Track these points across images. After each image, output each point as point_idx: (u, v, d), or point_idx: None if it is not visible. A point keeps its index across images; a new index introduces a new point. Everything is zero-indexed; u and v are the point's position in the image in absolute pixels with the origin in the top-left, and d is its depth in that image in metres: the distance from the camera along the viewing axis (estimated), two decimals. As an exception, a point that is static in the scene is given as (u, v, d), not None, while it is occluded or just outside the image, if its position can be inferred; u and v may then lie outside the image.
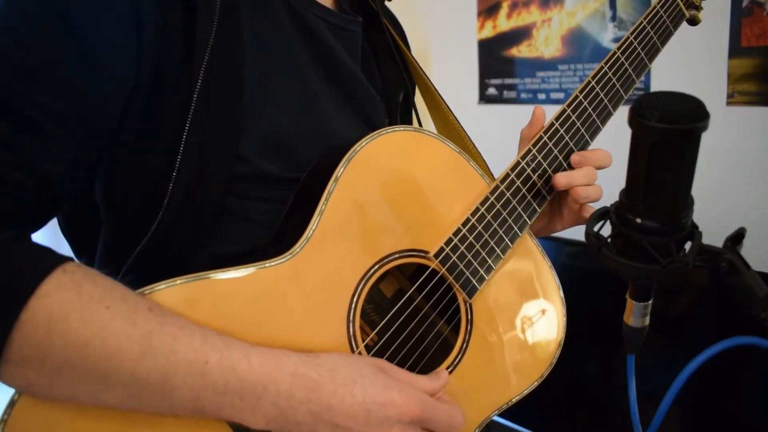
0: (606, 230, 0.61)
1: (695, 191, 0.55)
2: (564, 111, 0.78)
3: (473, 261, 0.72)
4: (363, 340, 0.66)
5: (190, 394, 0.53)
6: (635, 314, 0.64)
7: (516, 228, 0.75)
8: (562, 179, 0.77)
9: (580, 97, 0.79)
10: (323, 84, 0.74)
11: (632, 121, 0.52)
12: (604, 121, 0.81)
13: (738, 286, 0.57)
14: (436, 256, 0.70)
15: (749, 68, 1.41)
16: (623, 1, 1.62)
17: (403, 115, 0.89)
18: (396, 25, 0.94)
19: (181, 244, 0.64)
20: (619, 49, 0.81)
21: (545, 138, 0.77)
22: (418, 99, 0.94)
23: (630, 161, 0.55)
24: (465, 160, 0.74)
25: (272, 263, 0.62)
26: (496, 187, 0.74)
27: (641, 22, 0.82)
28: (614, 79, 0.80)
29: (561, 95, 1.76)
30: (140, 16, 0.59)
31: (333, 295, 0.65)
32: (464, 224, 0.72)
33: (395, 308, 0.72)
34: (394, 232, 0.69)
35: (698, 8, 0.90)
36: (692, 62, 1.49)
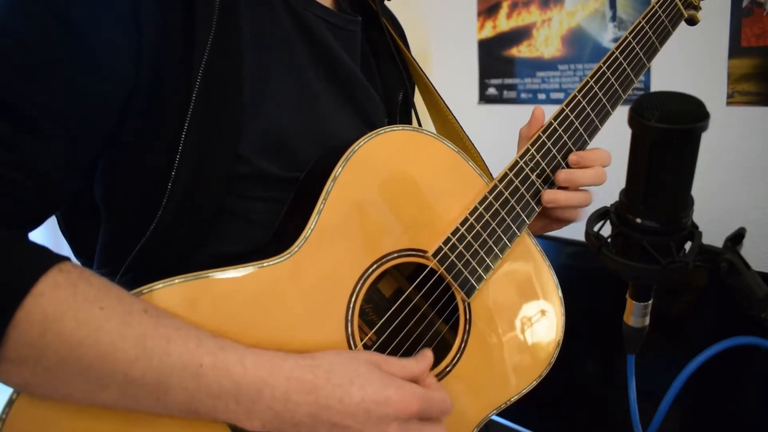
0: (606, 230, 0.61)
1: (695, 191, 0.55)
2: (562, 111, 0.78)
3: (471, 260, 0.72)
4: (361, 340, 0.66)
5: (184, 396, 0.53)
6: (635, 314, 0.64)
7: (514, 227, 0.75)
8: (562, 175, 0.77)
9: (579, 96, 0.79)
10: (323, 84, 0.74)
11: (632, 121, 0.52)
12: (602, 121, 0.81)
13: (738, 286, 0.57)
14: (435, 255, 0.70)
15: (749, 68, 1.41)
16: (623, 1, 1.62)
17: (402, 114, 0.89)
18: (396, 24, 0.94)
19: (180, 244, 0.64)
20: (617, 49, 0.81)
21: (543, 137, 0.77)
22: (418, 99, 0.94)
23: (630, 161, 0.55)
24: (463, 159, 0.74)
25: (270, 263, 0.62)
26: (495, 187, 0.74)
27: (639, 22, 0.82)
28: (612, 79, 0.80)
29: (561, 95, 1.76)
30: (140, 17, 0.59)
31: (331, 294, 0.65)
32: (462, 224, 0.72)
33: (393, 307, 0.72)
34: (393, 231, 0.69)
35: (697, 8, 0.89)
36: (692, 62, 1.49)
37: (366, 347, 0.68)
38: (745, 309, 0.57)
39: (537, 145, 0.77)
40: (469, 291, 0.72)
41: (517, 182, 0.76)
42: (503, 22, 1.87)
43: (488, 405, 0.74)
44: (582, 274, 1.42)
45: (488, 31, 1.91)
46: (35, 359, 0.50)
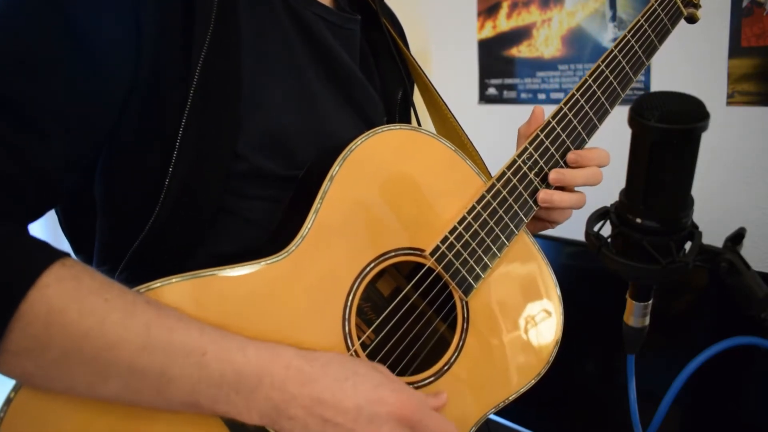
0: (606, 230, 0.61)
1: (695, 191, 0.55)
2: (561, 109, 0.78)
3: (469, 259, 0.72)
4: (359, 338, 0.66)
5: (187, 386, 0.53)
6: (635, 314, 0.64)
7: (512, 226, 0.75)
8: (553, 175, 0.77)
9: (577, 95, 0.79)
10: (322, 83, 0.74)
11: (632, 121, 0.52)
12: (601, 120, 0.81)
13: (738, 286, 0.57)
14: (432, 254, 0.70)
15: (749, 68, 1.41)
16: (623, 1, 1.62)
17: (402, 113, 0.89)
18: (395, 23, 0.94)
19: (177, 242, 0.64)
20: (616, 47, 0.81)
21: (542, 136, 0.77)
22: (417, 98, 0.94)
23: (630, 161, 0.55)
24: (461, 158, 0.74)
25: (267, 261, 0.62)
26: (493, 185, 0.74)
27: (638, 20, 0.82)
28: (611, 78, 0.80)
29: (561, 95, 1.76)
30: (140, 16, 0.59)
31: (328, 293, 0.65)
32: (460, 222, 0.72)
33: (391, 306, 0.72)
34: (390, 230, 0.69)
35: (696, 6, 0.89)
36: (692, 62, 1.49)
37: (364, 345, 0.68)
38: (745, 309, 0.57)
39: (535, 144, 0.77)
40: (467, 290, 0.72)
41: (515, 181, 0.76)
42: (503, 22, 1.87)
43: (486, 404, 0.74)
44: (582, 274, 1.42)
45: (488, 31, 1.91)
46: (39, 351, 0.51)
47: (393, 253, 0.69)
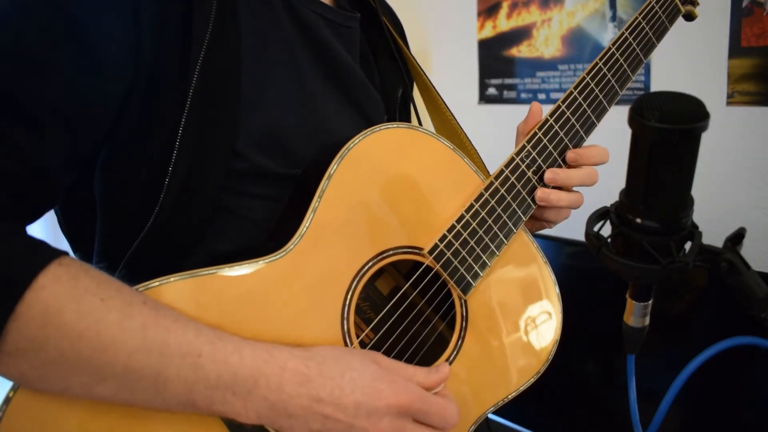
0: (606, 230, 0.61)
1: (695, 191, 0.55)
2: (559, 107, 0.78)
3: (468, 257, 0.72)
4: (358, 337, 0.66)
5: (183, 388, 0.53)
6: (635, 314, 0.64)
7: (510, 224, 0.75)
8: (548, 175, 0.77)
9: (575, 93, 0.79)
10: (322, 81, 0.74)
11: (632, 121, 0.52)
12: (599, 118, 0.81)
13: (738, 286, 0.57)
14: (431, 252, 0.70)
15: (749, 68, 1.41)
16: (623, 1, 1.62)
17: (401, 112, 0.89)
18: (395, 21, 0.94)
19: (177, 241, 0.64)
20: (614, 44, 0.81)
21: (539, 134, 0.77)
22: (417, 97, 0.94)
23: (630, 161, 0.55)
24: (459, 157, 0.74)
25: (266, 260, 0.62)
26: (491, 184, 0.74)
27: (636, 18, 0.82)
28: (609, 75, 0.80)
29: (561, 95, 1.75)
30: (139, 15, 0.59)
31: (327, 291, 0.65)
32: (458, 220, 0.72)
33: (390, 305, 0.72)
34: (389, 228, 0.69)
35: (694, 3, 0.89)
36: (692, 62, 1.49)
37: (362, 344, 0.68)
38: (745, 309, 0.57)
39: (533, 141, 0.77)
40: (466, 288, 0.72)
41: (513, 179, 0.75)
42: (503, 22, 1.87)
43: (485, 402, 0.74)
44: (582, 274, 1.42)
45: (488, 31, 1.91)
46: (34, 352, 0.50)
47: (391, 252, 0.69)
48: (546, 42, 1.78)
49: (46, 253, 0.52)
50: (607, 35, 1.66)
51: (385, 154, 0.69)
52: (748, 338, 0.63)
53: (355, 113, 0.79)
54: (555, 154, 0.78)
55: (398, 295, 0.73)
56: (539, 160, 0.77)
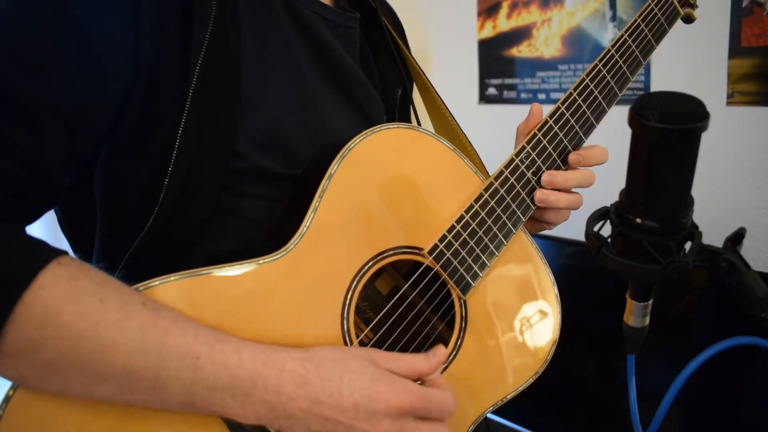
0: (606, 230, 0.61)
1: (695, 191, 0.55)
2: (558, 108, 0.79)
3: (467, 258, 0.72)
4: (357, 337, 0.66)
5: (182, 389, 0.53)
6: (635, 314, 0.64)
7: (510, 225, 0.75)
8: (545, 177, 0.77)
9: (575, 94, 0.79)
10: (322, 81, 0.75)
11: (632, 121, 0.52)
12: (598, 119, 0.81)
13: (738, 286, 0.57)
14: (431, 252, 0.70)
15: (749, 68, 1.41)
16: (623, 1, 1.62)
17: (401, 112, 0.89)
18: (395, 21, 0.94)
19: (177, 241, 0.64)
20: (613, 47, 0.81)
21: (539, 135, 0.77)
22: (417, 98, 0.94)
23: (630, 161, 0.55)
24: (459, 157, 0.74)
25: (266, 260, 0.62)
26: (490, 184, 0.74)
27: (635, 20, 0.83)
28: (608, 77, 0.80)
29: (561, 95, 1.75)
30: (139, 15, 0.59)
31: (327, 291, 0.65)
32: (458, 221, 0.72)
33: (389, 305, 0.72)
34: (389, 229, 0.69)
35: (693, 6, 0.89)
36: (692, 62, 1.49)
37: (362, 344, 0.68)
38: (745, 309, 0.57)
39: (533, 142, 0.77)
40: (465, 288, 0.72)
41: (512, 180, 0.76)
42: (503, 22, 1.87)
43: (484, 402, 0.74)
44: (582, 274, 1.42)
45: (488, 31, 1.91)
46: (33, 353, 0.50)
47: (391, 252, 0.69)
48: (546, 42, 1.78)
49: (45, 253, 0.52)
50: (607, 35, 1.66)
51: (386, 155, 0.69)
52: (748, 338, 0.63)
53: (355, 113, 0.79)
54: (554, 155, 0.78)
55: (398, 295, 0.73)
56: (539, 161, 0.77)
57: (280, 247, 0.63)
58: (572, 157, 0.78)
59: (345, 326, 0.65)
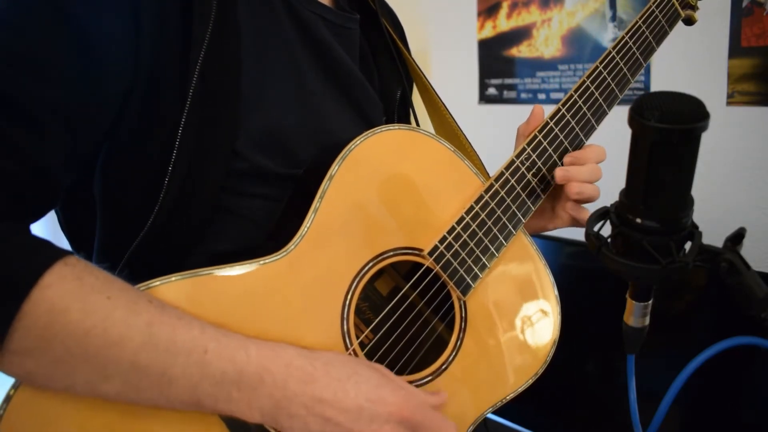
0: (606, 230, 0.61)
1: (695, 191, 0.55)
2: (558, 110, 0.79)
3: (467, 259, 0.72)
4: (357, 338, 0.66)
5: (188, 385, 0.54)
6: (635, 314, 0.64)
7: (510, 226, 0.75)
8: (559, 173, 0.76)
9: (575, 96, 0.79)
10: (321, 82, 0.75)
11: (632, 121, 0.52)
12: (599, 121, 0.81)
13: (738, 286, 0.57)
14: (431, 253, 0.70)
15: (749, 68, 1.41)
16: (623, 1, 1.62)
17: (401, 113, 0.89)
18: (395, 22, 0.94)
19: (176, 241, 0.64)
20: (614, 48, 0.81)
21: (540, 137, 0.77)
22: (416, 98, 0.94)
23: (630, 161, 0.55)
24: (459, 158, 0.74)
25: (267, 260, 0.62)
26: (491, 186, 0.74)
27: (636, 22, 0.83)
28: (609, 79, 0.81)
29: (561, 95, 1.76)
30: (139, 15, 0.59)
31: (327, 292, 0.65)
32: (459, 222, 0.72)
33: (390, 305, 0.72)
34: (389, 230, 0.69)
35: (694, 8, 0.90)
36: (692, 62, 1.49)
37: (362, 345, 0.68)
38: (745, 309, 0.57)
39: (533, 144, 0.77)
40: (465, 289, 0.72)
41: (513, 181, 0.76)
42: (503, 22, 1.87)
43: (484, 403, 0.74)
44: (582, 274, 1.42)
45: (488, 31, 1.91)
46: (40, 350, 0.51)
47: (391, 253, 0.69)
48: (546, 42, 1.78)
49: (51, 253, 0.52)
50: (607, 35, 1.66)
51: (386, 156, 0.69)
52: (748, 338, 0.63)
53: (355, 114, 0.79)
54: (555, 156, 0.78)
55: (398, 296, 0.73)
56: (539, 163, 0.77)
57: (281, 248, 0.63)
58: (567, 158, 0.78)
59: (345, 327, 0.65)
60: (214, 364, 0.54)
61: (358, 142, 0.67)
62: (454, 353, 0.72)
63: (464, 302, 0.73)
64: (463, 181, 0.74)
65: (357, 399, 0.57)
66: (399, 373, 0.70)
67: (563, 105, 0.79)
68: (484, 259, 0.73)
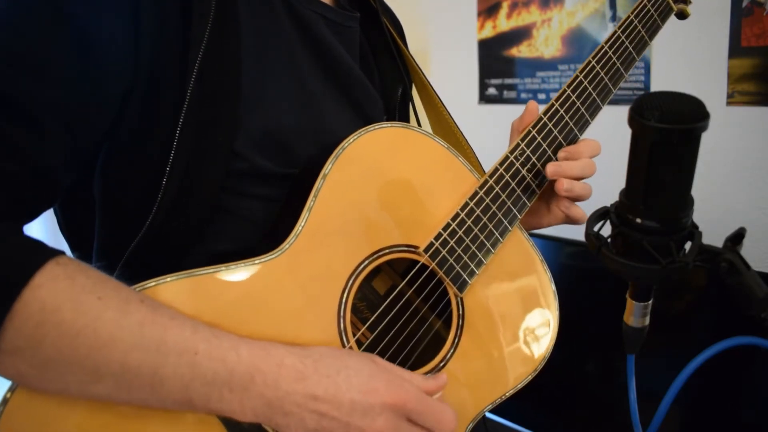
0: (606, 230, 0.61)
1: (695, 191, 0.55)
2: (552, 105, 0.79)
3: (463, 255, 0.72)
4: (354, 335, 0.66)
5: (180, 385, 0.53)
6: (635, 314, 0.64)
7: (506, 222, 0.75)
8: (550, 168, 0.76)
9: (568, 91, 0.79)
10: (321, 81, 0.74)
11: (632, 121, 0.52)
12: (592, 115, 0.81)
13: (738, 286, 0.57)
14: (426, 251, 0.70)
15: (749, 68, 1.41)
16: (623, 1, 1.62)
17: (401, 111, 0.89)
18: (395, 22, 0.94)
19: (175, 241, 0.64)
20: (606, 43, 0.81)
21: (533, 132, 0.77)
22: (415, 97, 0.94)
23: (630, 161, 0.55)
24: (454, 155, 0.74)
25: (262, 260, 0.62)
26: (485, 182, 0.74)
27: (629, 17, 0.83)
28: (602, 73, 0.81)
29: (561, 95, 1.76)
30: (138, 16, 0.59)
31: (323, 290, 0.65)
32: (454, 219, 0.72)
33: (386, 303, 0.72)
34: (384, 227, 0.69)
35: (686, 2, 0.90)
36: (692, 62, 1.49)
37: (359, 343, 0.68)
38: (745, 309, 0.57)
39: (527, 139, 0.77)
40: (462, 286, 0.72)
41: (507, 177, 0.76)
42: (503, 22, 1.87)
43: (483, 401, 0.74)
44: (582, 274, 1.42)
45: (488, 31, 1.91)
46: (32, 350, 0.50)
47: (387, 251, 0.69)
48: (546, 42, 1.78)
49: (42, 253, 0.52)
50: (606, 35, 1.66)
51: (380, 154, 0.69)
52: (748, 338, 0.63)
53: (355, 113, 0.79)
54: (549, 152, 0.78)
55: (394, 293, 0.73)
56: (533, 158, 0.77)
57: (276, 247, 0.63)
58: (560, 153, 0.78)
59: (342, 325, 0.65)
60: (205, 365, 0.54)
61: (351, 140, 0.67)
62: (451, 350, 0.72)
63: (461, 299, 0.73)
64: (458, 178, 0.74)
65: (349, 392, 0.57)
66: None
67: (557, 100, 0.79)
68: (480, 255, 0.73)
